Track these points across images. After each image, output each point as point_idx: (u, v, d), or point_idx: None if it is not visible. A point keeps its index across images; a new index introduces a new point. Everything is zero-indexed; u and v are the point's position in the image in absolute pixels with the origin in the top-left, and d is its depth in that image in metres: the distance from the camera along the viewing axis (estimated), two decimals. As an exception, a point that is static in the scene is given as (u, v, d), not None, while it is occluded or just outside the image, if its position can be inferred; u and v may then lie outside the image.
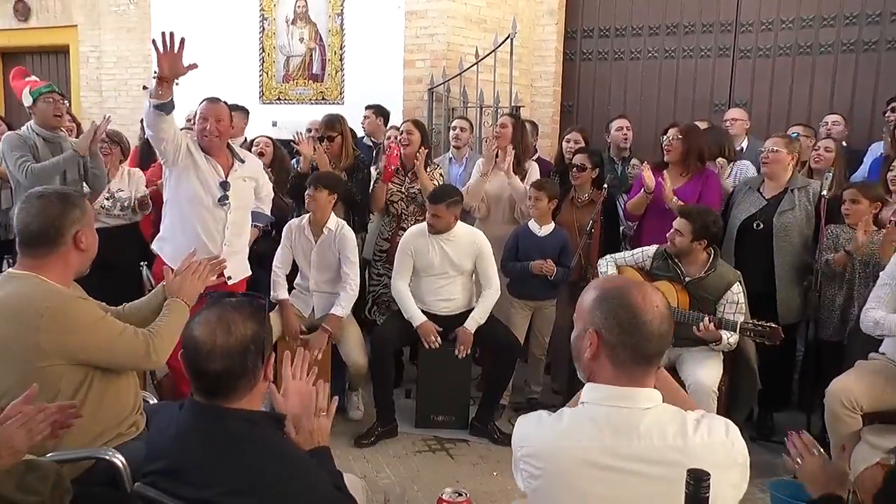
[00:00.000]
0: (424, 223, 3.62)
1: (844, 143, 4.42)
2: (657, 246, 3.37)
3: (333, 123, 4.12)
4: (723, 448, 1.27)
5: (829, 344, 3.41)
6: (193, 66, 2.74)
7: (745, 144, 4.55)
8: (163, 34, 2.76)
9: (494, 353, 3.63)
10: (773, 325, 2.98)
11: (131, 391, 2.02)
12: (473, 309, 3.54)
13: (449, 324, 3.55)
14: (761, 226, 3.49)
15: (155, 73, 2.66)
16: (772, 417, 3.64)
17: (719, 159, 3.93)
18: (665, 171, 3.71)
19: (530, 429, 1.35)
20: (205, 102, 3.20)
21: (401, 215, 4.02)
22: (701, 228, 3.13)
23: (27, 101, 3.69)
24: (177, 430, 1.44)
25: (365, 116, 5.41)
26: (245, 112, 5.06)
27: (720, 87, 5.88)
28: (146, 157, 4.59)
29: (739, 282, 3.16)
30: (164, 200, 3.31)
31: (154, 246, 3.33)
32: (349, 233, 3.70)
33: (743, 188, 3.71)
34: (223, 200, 3.18)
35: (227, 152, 3.28)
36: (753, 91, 5.79)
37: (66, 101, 3.70)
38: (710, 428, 1.28)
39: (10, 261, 4.77)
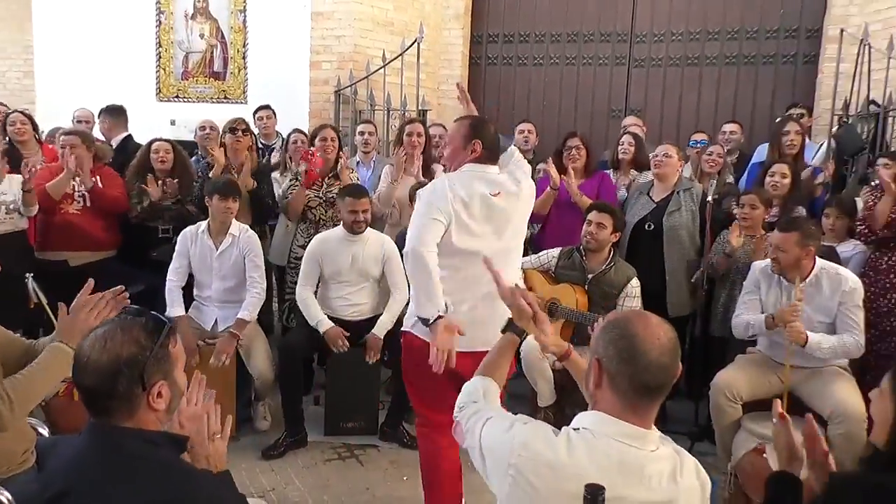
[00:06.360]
0: (331, 231, 3.63)
1: (737, 152, 4.65)
2: (560, 248, 3.53)
3: (241, 119, 4.20)
4: (699, 492, 1.34)
5: (714, 339, 3.65)
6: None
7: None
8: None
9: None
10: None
11: (17, 437, 1.83)
12: (382, 314, 3.54)
13: (357, 329, 3.53)
14: (652, 227, 3.72)
15: None
16: (664, 406, 3.86)
17: None
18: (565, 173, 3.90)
19: (539, 444, 1.32)
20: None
21: (319, 221, 3.93)
22: (618, 220, 3.41)
23: None
24: (73, 452, 1.36)
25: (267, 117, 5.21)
26: (119, 112, 4.95)
27: (617, 95, 6.15)
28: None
29: (637, 277, 3.38)
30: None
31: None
32: (255, 237, 3.63)
33: (634, 193, 3.93)
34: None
35: None
36: (647, 99, 6.09)
37: None
38: (689, 470, 1.33)
39: None
